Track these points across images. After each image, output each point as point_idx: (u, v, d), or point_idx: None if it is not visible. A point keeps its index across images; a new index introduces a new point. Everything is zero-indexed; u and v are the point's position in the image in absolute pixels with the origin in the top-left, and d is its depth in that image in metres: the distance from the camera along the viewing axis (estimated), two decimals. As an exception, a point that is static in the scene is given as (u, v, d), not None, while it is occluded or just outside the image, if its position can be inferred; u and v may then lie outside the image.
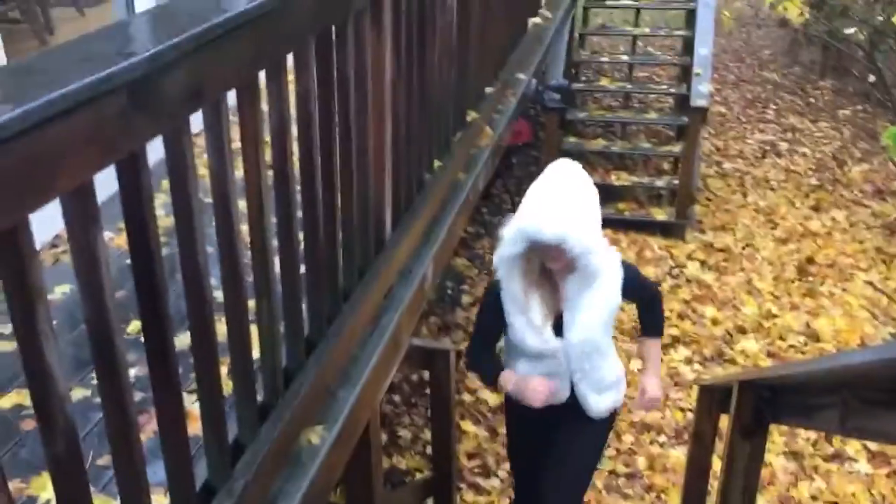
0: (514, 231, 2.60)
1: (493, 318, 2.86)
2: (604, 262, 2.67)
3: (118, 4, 3.86)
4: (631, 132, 8.41)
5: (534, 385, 2.77)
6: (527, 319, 2.76)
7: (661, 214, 7.24)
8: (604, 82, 8.94)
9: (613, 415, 3.05)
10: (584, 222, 2.55)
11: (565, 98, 8.01)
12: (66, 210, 1.16)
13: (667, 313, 5.87)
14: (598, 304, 2.72)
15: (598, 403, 2.90)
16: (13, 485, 1.99)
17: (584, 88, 8.68)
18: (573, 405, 2.90)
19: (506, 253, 2.65)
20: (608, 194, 7.35)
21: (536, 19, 6.01)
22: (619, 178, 7.57)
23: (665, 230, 7.13)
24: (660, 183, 7.53)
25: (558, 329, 2.79)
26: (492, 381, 2.98)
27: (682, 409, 4.95)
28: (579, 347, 2.77)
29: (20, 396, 2.30)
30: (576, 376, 2.84)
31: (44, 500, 1.97)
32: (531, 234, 2.54)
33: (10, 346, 2.53)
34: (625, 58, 9.44)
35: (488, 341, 2.97)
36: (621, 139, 8.16)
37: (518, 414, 3.02)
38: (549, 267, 2.69)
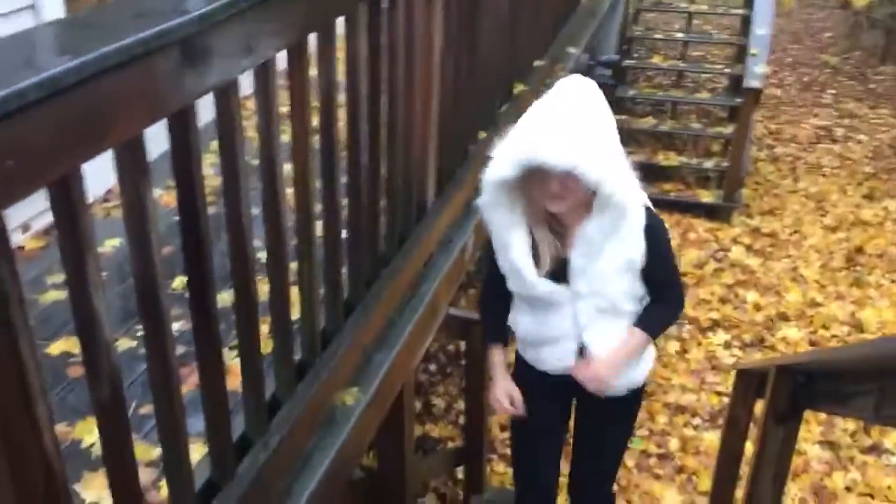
0: (505, 152, 2.02)
1: (492, 260, 2.31)
2: (631, 199, 2.06)
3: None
4: (681, 112, 8.28)
5: (495, 394, 2.43)
6: (511, 258, 2.20)
7: (707, 197, 7.14)
8: (656, 60, 8.79)
9: (640, 392, 2.48)
10: (599, 144, 1.97)
11: (616, 74, 7.91)
12: (118, 162, 1.19)
13: (708, 296, 5.84)
14: (619, 251, 2.12)
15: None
16: (59, 428, 2.06)
17: (635, 65, 8.56)
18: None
19: (491, 176, 2.06)
20: (654, 174, 7.28)
21: (590, -7, 5.93)
22: (666, 158, 7.48)
23: (711, 213, 7.04)
24: (708, 164, 7.42)
25: (564, 276, 2.20)
26: (484, 342, 2.59)
27: (718, 393, 4.91)
28: (591, 301, 2.18)
29: (69, 344, 2.37)
30: (586, 337, 2.25)
31: (87, 443, 2.04)
32: (528, 157, 1.95)
33: (61, 294, 2.61)
34: (679, 35, 9.28)
35: (495, 289, 2.37)
36: (671, 118, 8.04)
37: (527, 391, 2.44)
38: (552, 209, 2.09)
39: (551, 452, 2.62)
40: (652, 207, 2.20)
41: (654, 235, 2.16)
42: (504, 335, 2.47)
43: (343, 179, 2.08)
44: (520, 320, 2.37)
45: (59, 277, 2.71)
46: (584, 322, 2.23)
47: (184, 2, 1.26)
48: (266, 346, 1.82)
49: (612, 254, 2.12)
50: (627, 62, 8.26)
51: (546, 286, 2.19)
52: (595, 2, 5.98)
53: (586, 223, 2.09)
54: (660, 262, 2.20)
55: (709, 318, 5.60)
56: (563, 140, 1.92)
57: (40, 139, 0.97)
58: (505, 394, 2.41)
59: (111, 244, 2.88)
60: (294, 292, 1.93)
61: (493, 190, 2.08)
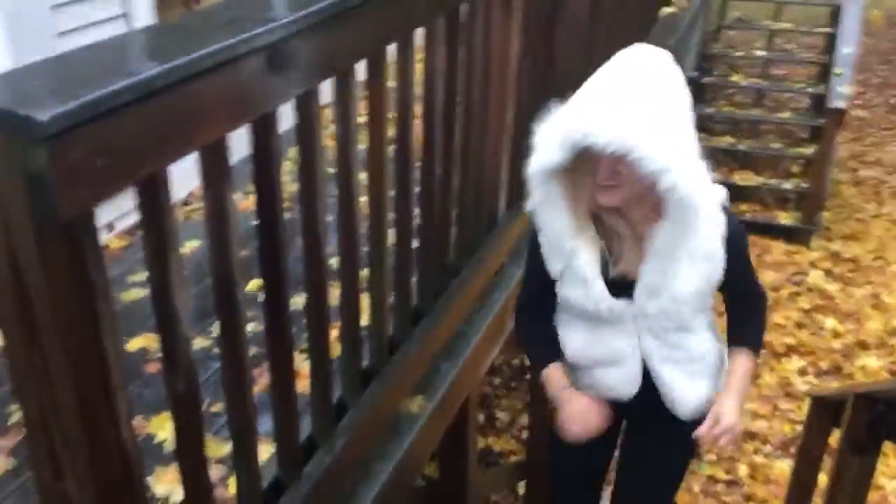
0: (551, 133, 1.67)
1: (538, 270, 1.93)
2: (702, 196, 1.67)
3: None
4: (760, 131, 8.10)
5: (580, 408, 1.94)
6: (571, 268, 1.86)
7: (786, 218, 6.96)
8: (736, 78, 8.62)
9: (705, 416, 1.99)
10: (662, 124, 1.59)
11: (694, 92, 7.73)
12: (202, 165, 1.23)
13: (783, 321, 5.67)
14: (700, 269, 1.78)
15: (689, 393, 1.97)
16: (135, 422, 2.12)
17: (714, 83, 8.40)
18: (650, 402, 1.99)
19: (538, 164, 1.70)
20: (731, 194, 7.07)
21: (670, 8, 5.86)
22: (743, 178, 7.32)
23: (789, 235, 6.85)
24: (787, 186, 7.23)
25: (626, 289, 1.86)
26: (537, 364, 2.09)
27: (791, 421, 4.76)
28: (656, 320, 1.87)
29: (147, 340, 2.45)
30: (653, 356, 1.93)
31: (160, 439, 2.10)
32: (576, 134, 1.59)
33: (142, 293, 2.69)
34: (761, 53, 9.08)
35: (538, 305, 2.04)
36: (749, 138, 7.87)
37: None
38: (601, 202, 1.72)
39: (592, 497, 2.34)
40: (729, 208, 1.85)
41: (737, 245, 1.82)
42: (556, 353, 2.03)
43: (416, 189, 2.10)
44: (569, 339, 2.01)
45: (141, 276, 2.80)
46: (649, 344, 1.93)
47: (270, 10, 1.30)
48: (334, 350, 1.85)
49: (691, 272, 1.77)
50: (706, 79, 8.11)
51: (611, 303, 1.86)
52: (675, 17, 5.91)
53: (655, 230, 1.73)
54: (744, 274, 1.91)
55: (784, 344, 5.44)
56: (615, 115, 1.56)
57: (131, 140, 1.01)
58: (587, 409, 1.94)
59: (190, 246, 2.96)
60: (364, 299, 1.95)
61: (543, 184, 1.73)
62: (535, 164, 1.71)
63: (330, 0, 1.36)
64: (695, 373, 1.98)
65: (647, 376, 1.97)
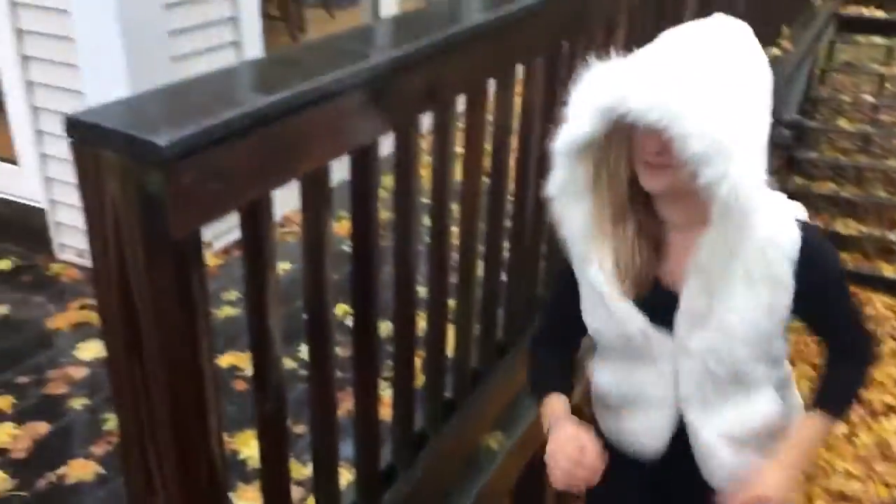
0: (585, 97, 1.29)
1: (564, 289, 1.55)
2: (761, 200, 1.28)
3: (365, 8, 4.13)
4: (865, 178, 7.80)
5: (565, 436, 1.42)
6: (586, 279, 1.46)
7: (890, 271, 6.67)
8: (842, 123, 8.35)
9: None
10: (725, 105, 1.23)
11: (797, 135, 7.56)
12: (302, 191, 1.27)
13: (883, 378, 5.41)
14: (759, 292, 1.37)
15: (732, 463, 1.52)
16: (220, 436, 2.18)
17: (818, 127, 8.16)
18: (681, 465, 1.56)
19: (566, 136, 1.32)
20: (832, 243, 6.87)
21: (775, 50, 5.74)
22: (846, 227, 7.06)
23: (892, 288, 6.55)
24: (892, 237, 6.93)
25: (666, 315, 1.43)
26: (537, 395, 1.60)
27: (887, 485, 4.52)
28: (701, 361, 1.44)
29: (235, 358, 2.51)
30: (692, 408, 1.51)
31: (243, 456, 2.14)
32: (614, 97, 1.23)
33: (233, 311, 2.77)
34: (869, 98, 8.77)
35: (556, 339, 1.64)
36: (853, 185, 7.59)
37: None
38: (647, 185, 1.33)
39: None
40: (803, 221, 1.41)
41: (818, 269, 1.38)
42: (563, 387, 1.59)
43: (507, 223, 2.10)
44: (599, 373, 1.63)
45: (233, 295, 2.88)
46: (688, 390, 1.49)
47: (375, 45, 1.34)
48: (417, 379, 1.86)
49: (746, 298, 1.37)
50: (810, 124, 7.88)
51: (642, 325, 1.44)
52: (779, 59, 5.78)
53: (700, 240, 1.32)
54: (830, 306, 1.45)
55: (883, 402, 5.18)
56: (663, 78, 1.23)
57: (238, 166, 1.05)
58: (573, 436, 1.41)
59: (282, 268, 3.03)
60: (449, 329, 1.96)
61: (568, 164, 1.35)
62: (563, 137, 1.33)
63: (434, 36, 1.39)
64: (746, 442, 1.52)
65: (683, 431, 1.54)
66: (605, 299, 1.44)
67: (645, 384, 1.53)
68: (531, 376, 1.69)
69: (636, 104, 1.21)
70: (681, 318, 1.42)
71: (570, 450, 1.39)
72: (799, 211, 1.44)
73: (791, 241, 1.37)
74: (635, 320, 1.44)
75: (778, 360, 1.51)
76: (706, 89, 1.23)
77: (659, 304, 1.43)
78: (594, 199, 1.39)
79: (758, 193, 1.27)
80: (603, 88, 1.27)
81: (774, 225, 1.37)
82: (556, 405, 1.54)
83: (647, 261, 1.43)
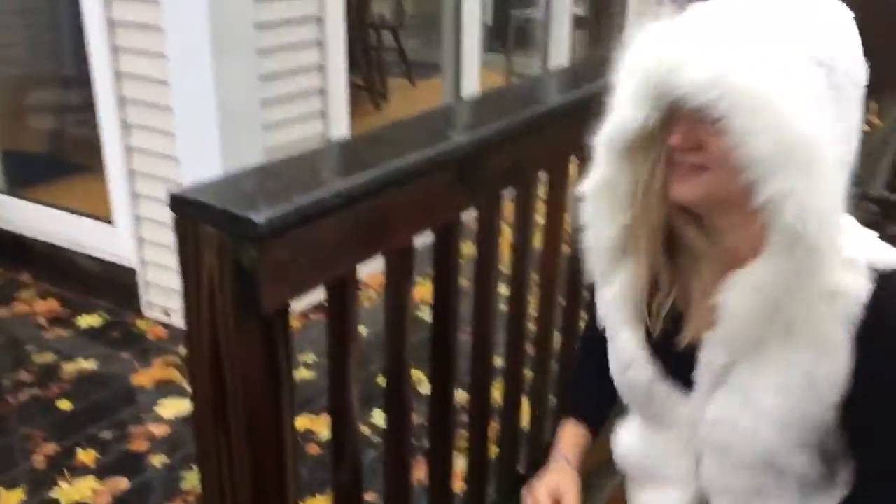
0: (629, 74, 1.00)
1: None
2: (837, 236, 0.96)
3: (447, 78, 4.24)
4: (960, 255, 7.48)
5: (547, 482, 1.28)
6: (609, 296, 1.19)
7: None
8: (933, 197, 8.07)
9: None
10: (805, 96, 0.91)
11: (885, 211, 7.34)
12: (387, 264, 1.30)
13: None
14: (801, 349, 1.00)
15: None
16: (293, 499, 2.20)
17: (907, 201, 7.91)
18: None
19: (609, 128, 1.05)
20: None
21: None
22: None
23: None
24: None
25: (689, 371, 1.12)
26: (565, 410, 1.47)
27: None
28: (719, 439, 1.11)
29: (309, 421, 2.54)
30: (715, 496, 1.17)
31: (313, 520, 2.16)
32: (663, 68, 0.94)
33: (309, 374, 2.82)
34: (962, 173, 8.47)
35: (598, 347, 1.29)
36: (947, 262, 7.29)
37: None
38: (675, 193, 1.01)
39: None
40: (881, 279, 1.00)
41: (885, 330, 0.97)
42: (591, 412, 1.40)
43: (585, 294, 2.10)
44: (624, 428, 1.36)
45: (310, 357, 2.93)
46: (711, 473, 1.16)
47: (462, 124, 1.38)
48: (490, 450, 1.85)
49: (781, 357, 1.01)
50: (898, 197, 7.65)
51: (648, 373, 1.17)
52: (865, 134, 5.67)
53: (741, 276, 0.99)
54: (884, 400, 0.99)
55: None
56: (717, 48, 0.92)
57: (327, 242, 1.09)
58: (550, 493, 1.26)
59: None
60: (524, 401, 1.95)
61: (612, 161, 1.06)
62: (606, 128, 1.05)
63: (519, 116, 1.43)
64: None
65: None
66: (619, 336, 1.19)
67: (664, 455, 1.23)
68: (568, 387, 1.51)
69: (690, 75, 0.91)
70: (700, 376, 1.11)
71: (543, 498, 1.25)
72: (881, 250, 1.04)
73: (856, 292, 0.98)
74: (642, 369, 1.17)
75: (836, 457, 1.09)
76: (786, 71, 0.91)
77: (683, 355, 1.11)
78: (632, 211, 1.08)
79: (835, 224, 0.95)
80: (655, 57, 0.96)
81: (845, 274, 0.99)
82: (567, 436, 1.36)
83: (678, 298, 1.12)
